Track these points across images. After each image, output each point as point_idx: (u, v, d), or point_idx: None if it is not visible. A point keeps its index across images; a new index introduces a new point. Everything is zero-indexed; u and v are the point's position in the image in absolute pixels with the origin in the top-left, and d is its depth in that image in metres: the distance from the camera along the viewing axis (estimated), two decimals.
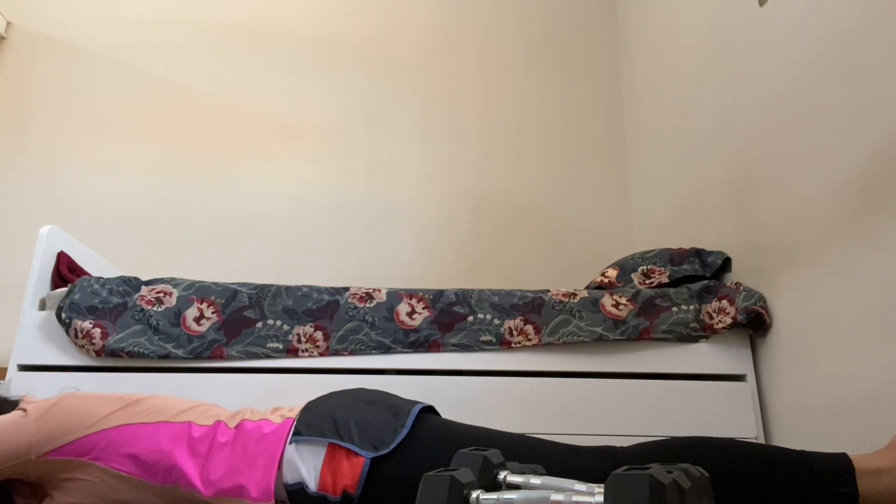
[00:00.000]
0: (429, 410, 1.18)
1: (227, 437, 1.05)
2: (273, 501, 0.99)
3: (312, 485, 1.00)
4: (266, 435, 1.05)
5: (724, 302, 1.63)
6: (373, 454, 1.00)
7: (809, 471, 0.97)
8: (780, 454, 1.00)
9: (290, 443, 1.03)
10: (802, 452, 1.00)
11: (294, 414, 1.10)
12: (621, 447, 1.06)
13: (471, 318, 1.64)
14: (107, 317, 1.59)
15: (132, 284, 1.67)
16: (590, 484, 0.67)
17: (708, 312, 1.66)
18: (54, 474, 1.05)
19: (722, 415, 1.55)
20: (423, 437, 1.05)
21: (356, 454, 1.01)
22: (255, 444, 1.04)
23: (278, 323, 1.62)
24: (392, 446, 1.02)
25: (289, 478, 1.01)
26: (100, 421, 1.06)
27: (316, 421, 1.06)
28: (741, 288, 1.64)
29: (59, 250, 1.73)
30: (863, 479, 0.96)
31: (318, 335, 1.62)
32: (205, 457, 1.03)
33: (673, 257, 1.87)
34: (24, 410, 1.07)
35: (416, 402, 1.13)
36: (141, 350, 1.56)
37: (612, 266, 2.01)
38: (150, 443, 1.03)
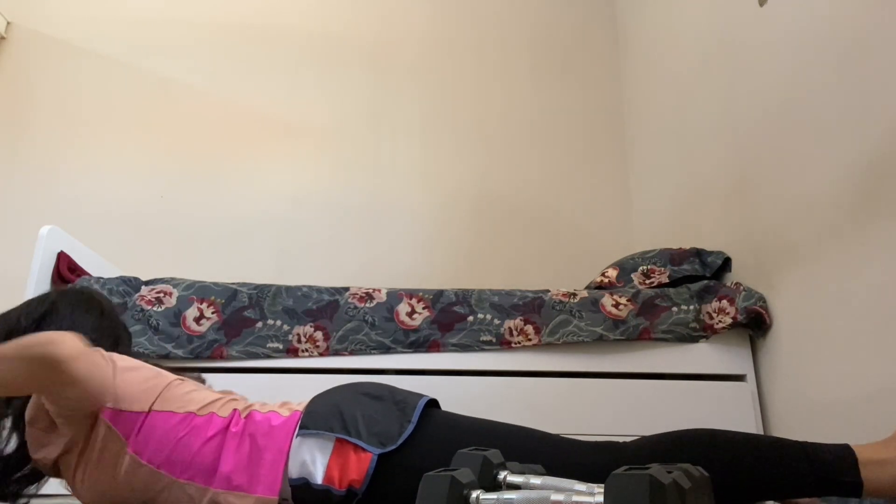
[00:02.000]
0: (432, 403, 1.18)
1: (238, 427, 1.05)
2: (277, 496, 0.99)
3: (318, 477, 1.00)
4: (274, 427, 1.05)
5: (724, 302, 1.63)
6: (380, 450, 1.01)
7: (812, 460, 0.97)
8: (782, 445, 1.00)
9: (297, 436, 1.03)
10: (804, 443, 1.00)
11: (302, 408, 1.10)
12: (624, 442, 1.06)
13: (471, 318, 1.64)
14: None
15: (132, 284, 1.67)
16: (590, 484, 0.67)
17: (708, 312, 1.66)
18: (95, 440, 1.00)
19: (722, 415, 1.55)
20: (429, 432, 1.05)
21: (364, 449, 1.01)
22: (264, 437, 1.04)
23: (278, 323, 1.62)
24: (399, 442, 1.02)
25: (294, 472, 1.01)
26: (148, 401, 1.03)
27: (323, 415, 1.06)
28: (741, 288, 1.64)
29: (59, 250, 1.73)
30: (866, 468, 0.96)
31: (318, 335, 1.62)
32: (219, 449, 1.03)
33: (673, 257, 1.87)
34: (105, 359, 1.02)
35: (421, 396, 1.13)
36: (141, 350, 1.56)
37: (612, 266, 2.01)
38: (175, 434, 1.02)
